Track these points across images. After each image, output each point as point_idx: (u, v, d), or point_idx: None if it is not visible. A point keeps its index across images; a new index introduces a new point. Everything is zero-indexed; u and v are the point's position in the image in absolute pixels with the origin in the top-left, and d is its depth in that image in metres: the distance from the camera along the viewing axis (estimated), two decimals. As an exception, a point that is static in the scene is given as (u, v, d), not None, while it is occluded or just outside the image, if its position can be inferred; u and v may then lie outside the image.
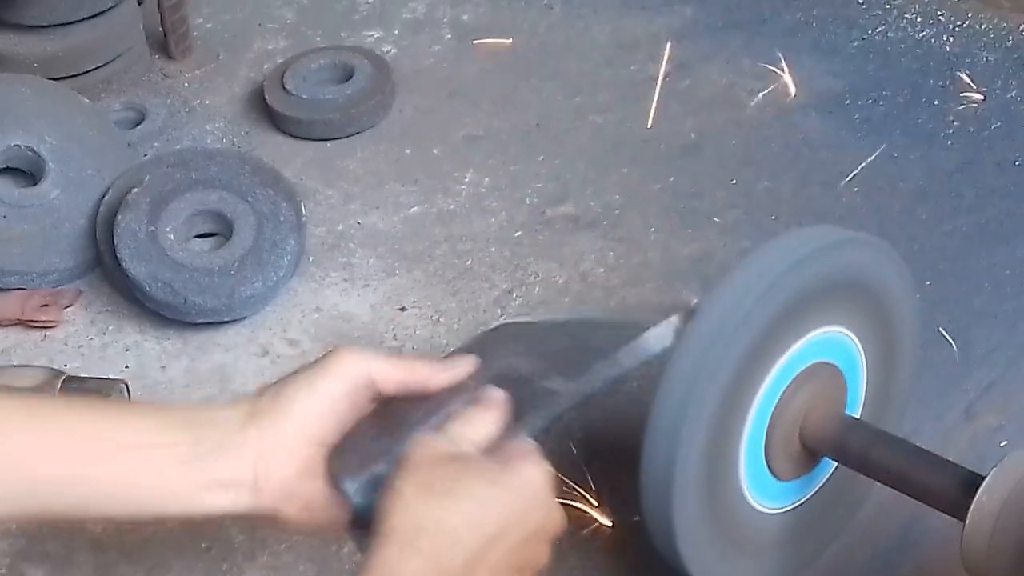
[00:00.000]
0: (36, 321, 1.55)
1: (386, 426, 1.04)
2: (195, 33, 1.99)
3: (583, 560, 1.27)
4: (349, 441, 1.04)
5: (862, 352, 1.18)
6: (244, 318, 1.55)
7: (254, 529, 1.31)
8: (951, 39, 1.96)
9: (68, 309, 1.57)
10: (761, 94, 1.86)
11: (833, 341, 1.15)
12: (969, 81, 1.86)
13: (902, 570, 1.26)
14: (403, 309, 1.56)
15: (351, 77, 1.85)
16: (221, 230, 1.60)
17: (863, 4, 2.05)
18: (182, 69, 1.96)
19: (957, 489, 1.07)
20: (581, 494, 1.30)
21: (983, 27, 1.98)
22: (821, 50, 1.96)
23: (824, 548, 1.26)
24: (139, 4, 1.94)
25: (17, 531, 1.31)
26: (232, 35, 2.03)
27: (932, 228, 1.63)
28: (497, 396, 1.01)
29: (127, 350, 1.53)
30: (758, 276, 1.07)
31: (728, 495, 1.12)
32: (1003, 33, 1.96)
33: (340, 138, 1.82)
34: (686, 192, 1.71)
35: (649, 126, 1.77)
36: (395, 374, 1.04)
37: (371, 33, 2.02)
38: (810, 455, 1.16)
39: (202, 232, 1.61)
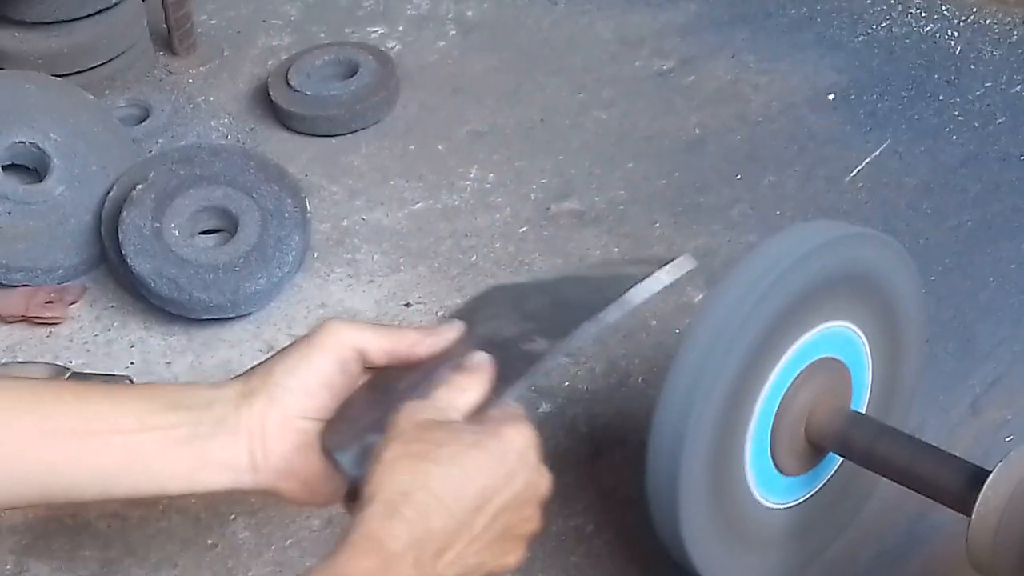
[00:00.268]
0: (41, 318, 1.55)
1: (377, 396, 1.04)
2: (199, 30, 1.99)
3: (588, 555, 1.27)
4: (343, 413, 1.04)
5: (867, 347, 1.18)
6: (249, 314, 1.55)
7: (260, 526, 1.31)
8: (956, 34, 1.95)
9: (73, 306, 1.58)
10: (766, 89, 1.86)
11: (838, 336, 1.15)
12: (974, 76, 1.86)
13: (908, 565, 1.26)
14: (408, 305, 1.56)
15: (355, 73, 1.85)
16: (226, 226, 1.60)
17: (868, -1, 2.05)
18: (186, 66, 1.96)
19: (962, 484, 1.07)
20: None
21: (988, 22, 1.97)
22: (825, 45, 1.95)
23: (830, 543, 1.26)
24: (143, 0, 1.94)
25: (23, 527, 1.31)
26: (236, 31, 2.03)
27: (937, 223, 1.63)
28: (481, 360, 1.01)
29: (132, 346, 1.53)
30: (763, 271, 1.07)
31: (734, 490, 1.12)
32: (1008, 28, 1.96)
33: (344, 134, 1.82)
34: (691, 187, 1.70)
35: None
36: (383, 344, 1.04)
37: (375, 29, 2.02)
38: (815, 450, 1.16)
39: (207, 228, 1.61)
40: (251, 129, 1.84)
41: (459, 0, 2.08)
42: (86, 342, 1.53)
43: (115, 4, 1.86)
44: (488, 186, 1.73)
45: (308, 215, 1.61)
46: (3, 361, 1.50)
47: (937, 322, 1.47)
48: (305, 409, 1.02)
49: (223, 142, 1.81)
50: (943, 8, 2.01)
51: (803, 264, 1.08)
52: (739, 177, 1.72)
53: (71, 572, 1.28)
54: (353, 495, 1.01)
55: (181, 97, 1.88)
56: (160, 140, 1.79)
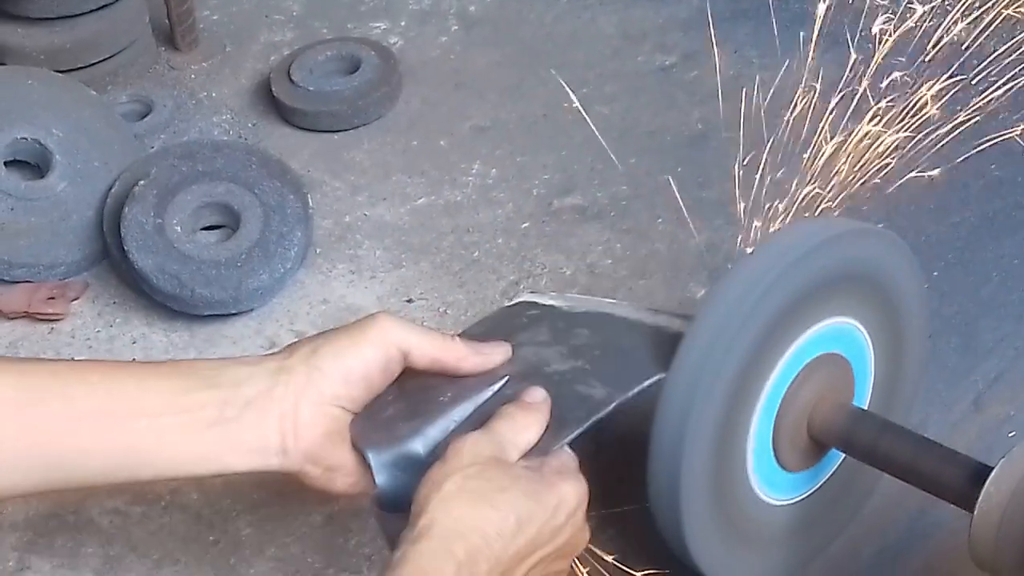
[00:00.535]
0: (43, 314, 1.55)
1: (413, 401, 1.04)
2: (201, 25, 1.99)
3: (590, 552, 1.27)
4: (374, 408, 1.04)
5: (870, 343, 1.18)
6: (251, 310, 1.55)
7: (262, 522, 1.31)
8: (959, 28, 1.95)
9: (75, 302, 1.58)
10: (768, 84, 1.85)
11: (841, 332, 1.15)
12: (976, 71, 1.85)
13: (910, 561, 1.26)
14: (410, 301, 1.56)
15: (358, 69, 1.85)
16: (228, 222, 1.60)
17: (871, -7, 2.05)
18: (188, 61, 1.96)
19: (965, 480, 1.07)
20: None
21: (991, 16, 1.97)
22: (828, 39, 1.95)
23: (832, 540, 1.26)
24: (145, -4, 1.95)
25: (24, 524, 1.32)
26: (238, 27, 2.03)
27: (940, 219, 1.63)
28: (539, 398, 1.02)
29: (134, 342, 1.53)
30: (766, 267, 1.06)
31: (736, 487, 1.12)
32: (1011, 23, 1.95)
33: (347, 130, 1.82)
34: (693, 183, 1.70)
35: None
36: (429, 350, 1.04)
37: (378, 24, 2.02)
38: (818, 446, 1.16)
39: (209, 224, 1.61)
40: (253, 125, 1.84)
41: (461, -5, 2.08)
42: (88, 338, 1.53)
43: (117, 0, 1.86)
44: (490, 181, 1.73)
45: (310, 211, 1.61)
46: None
47: (939, 318, 1.46)
48: (340, 397, 1.02)
49: (225, 138, 1.80)
50: (945, 3, 2.00)
51: (805, 260, 1.08)
52: (741, 172, 1.71)
53: (73, 569, 1.28)
54: (385, 503, 1.00)
55: (183, 93, 1.88)
56: (162, 136, 1.79)
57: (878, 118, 1.58)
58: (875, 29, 1.68)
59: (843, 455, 1.19)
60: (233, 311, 1.53)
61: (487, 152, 1.77)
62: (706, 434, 1.06)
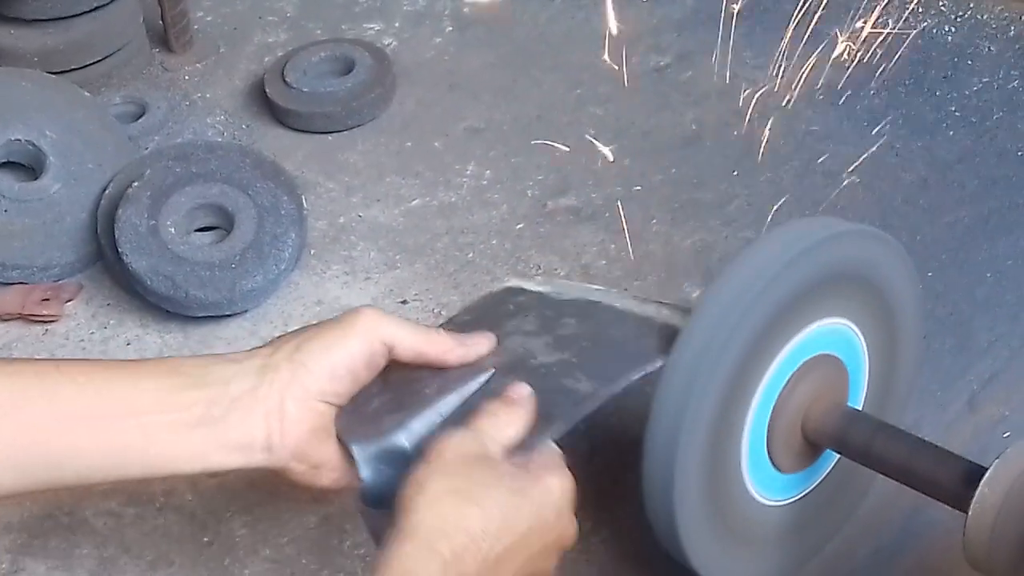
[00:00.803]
0: (37, 315, 1.55)
1: (397, 394, 1.04)
2: (195, 26, 1.98)
3: (584, 553, 1.27)
4: (357, 402, 1.03)
5: (864, 344, 1.18)
6: (245, 312, 1.55)
7: (256, 523, 1.31)
8: (953, 29, 1.95)
9: (69, 303, 1.57)
10: (762, 84, 1.86)
11: (835, 333, 1.15)
12: (971, 72, 1.85)
13: (904, 562, 1.26)
14: (404, 302, 1.56)
15: (352, 70, 1.85)
16: (222, 224, 1.60)
17: (864, -7, 2.05)
18: (182, 63, 1.95)
19: (959, 481, 1.07)
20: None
21: (985, 17, 1.97)
22: (822, 40, 1.95)
23: (827, 540, 1.26)
24: (139, -3, 1.94)
25: (19, 526, 1.31)
26: (232, 28, 2.03)
27: (934, 219, 1.63)
28: (523, 393, 1.01)
29: (128, 344, 1.53)
30: (759, 268, 1.06)
31: (730, 488, 1.12)
32: (1005, 23, 1.96)
33: (341, 131, 1.81)
34: (687, 183, 1.70)
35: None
36: (414, 343, 1.04)
37: (372, 26, 2.02)
38: (812, 447, 1.16)
39: (203, 226, 1.61)
40: (247, 126, 1.84)
41: (455, -4, 2.08)
42: (82, 340, 1.53)
43: (111, 1, 1.86)
44: (485, 183, 1.73)
45: (304, 212, 1.60)
46: (-1, 359, 1.50)
47: (934, 318, 1.46)
48: (325, 392, 1.02)
49: (219, 139, 1.80)
50: (940, 3, 2.01)
51: (799, 260, 1.08)
52: (736, 173, 1.72)
53: (67, 570, 1.28)
54: (370, 498, 1.00)
55: (177, 94, 1.88)
56: (156, 137, 1.78)
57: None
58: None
59: (838, 456, 1.19)
60: (227, 312, 1.53)
61: (481, 153, 1.77)
62: (700, 435, 1.06)
